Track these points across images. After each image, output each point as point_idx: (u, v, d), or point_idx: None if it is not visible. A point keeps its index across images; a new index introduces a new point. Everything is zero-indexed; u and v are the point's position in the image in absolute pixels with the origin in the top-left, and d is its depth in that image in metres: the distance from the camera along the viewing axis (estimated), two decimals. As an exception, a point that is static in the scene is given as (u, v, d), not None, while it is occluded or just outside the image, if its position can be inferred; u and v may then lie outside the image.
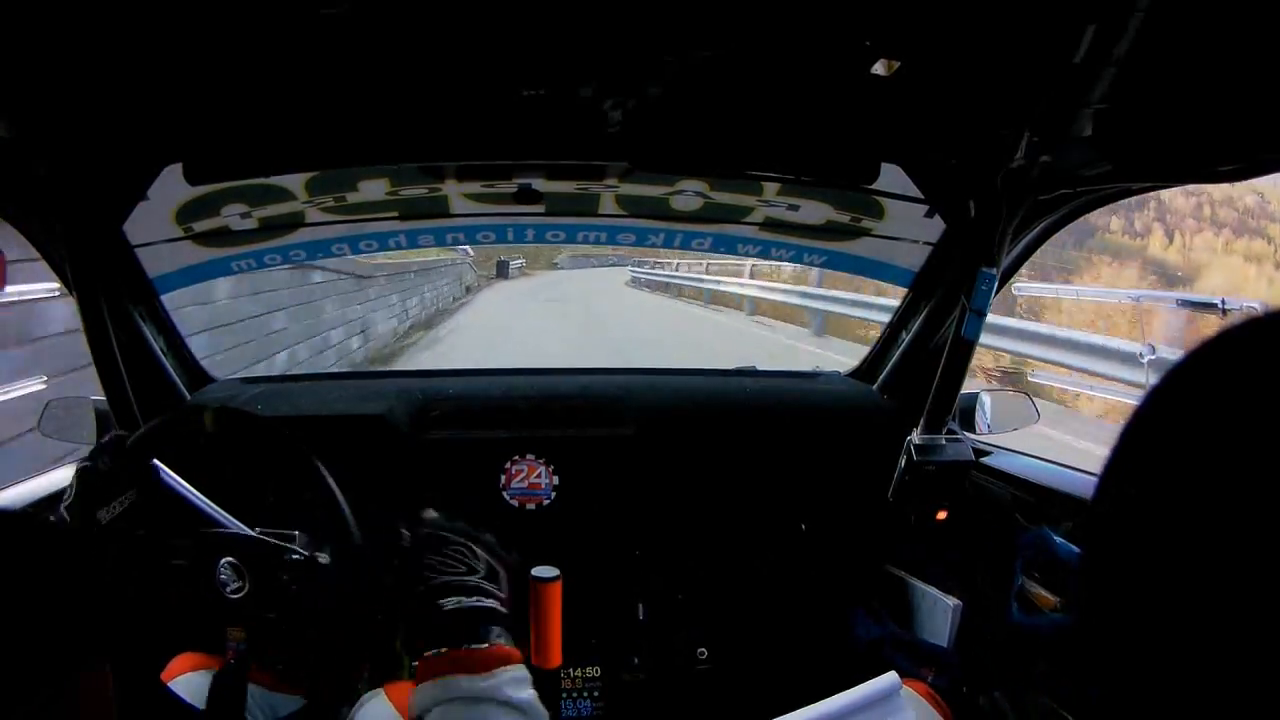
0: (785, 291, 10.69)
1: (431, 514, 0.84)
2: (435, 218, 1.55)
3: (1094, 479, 0.34)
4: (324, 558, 1.01)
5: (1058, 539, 1.19)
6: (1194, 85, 0.85)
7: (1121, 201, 1.47)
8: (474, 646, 0.69)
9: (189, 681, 1.07)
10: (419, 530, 0.80)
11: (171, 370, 1.47)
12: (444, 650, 0.69)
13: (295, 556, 1.00)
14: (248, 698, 1.08)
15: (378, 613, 1.03)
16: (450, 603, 0.72)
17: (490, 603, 0.74)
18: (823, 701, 0.88)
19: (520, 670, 0.70)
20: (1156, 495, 0.31)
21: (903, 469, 1.40)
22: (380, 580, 0.96)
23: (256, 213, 1.43)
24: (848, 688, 0.92)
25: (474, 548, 0.79)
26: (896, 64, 1.02)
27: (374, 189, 1.43)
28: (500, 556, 0.81)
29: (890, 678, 0.91)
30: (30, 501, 1.21)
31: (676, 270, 16.77)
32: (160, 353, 1.45)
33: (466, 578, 0.75)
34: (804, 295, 9.96)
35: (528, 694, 0.69)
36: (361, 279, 8.11)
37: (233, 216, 1.42)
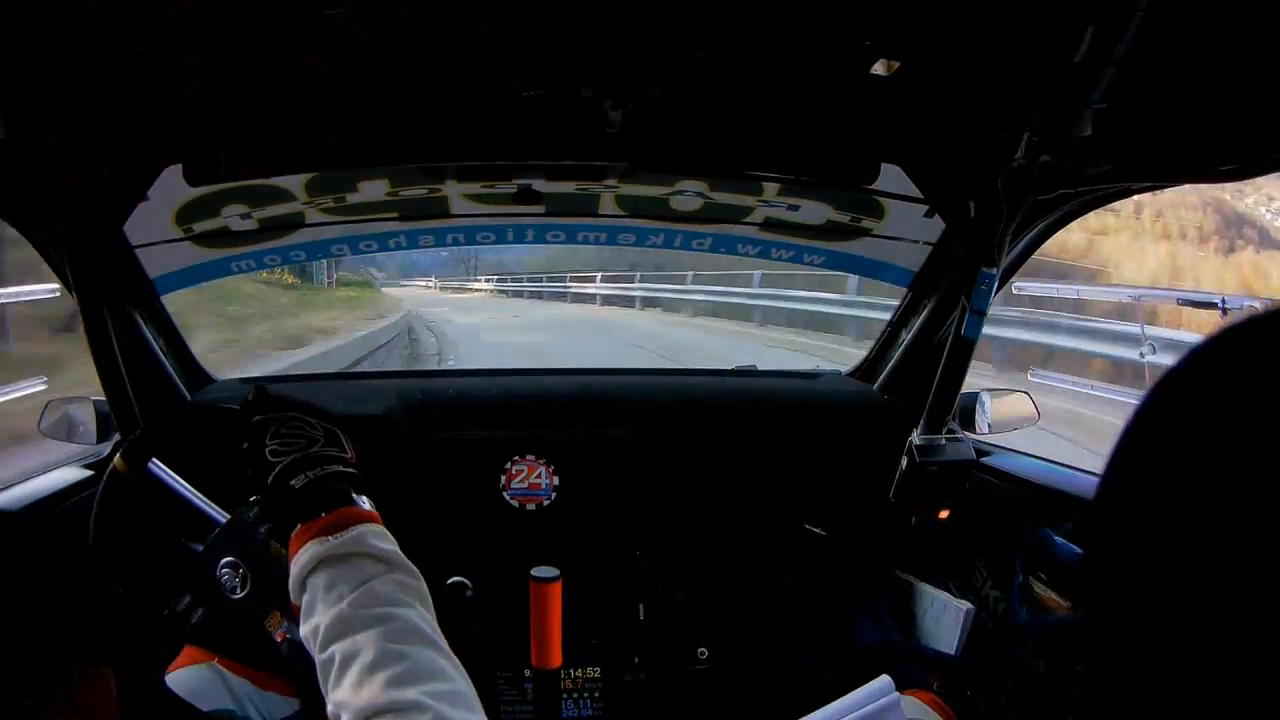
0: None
1: (248, 392, 0.83)
2: (435, 218, 1.55)
3: (1095, 479, 0.34)
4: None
5: (1058, 539, 1.19)
6: (1194, 85, 0.85)
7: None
8: (326, 513, 0.68)
9: (183, 677, 1.07)
10: (248, 414, 0.79)
11: (171, 370, 1.47)
12: (299, 526, 0.69)
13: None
14: (240, 695, 1.08)
15: None
16: (299, 480, 0.71)
17: (335, 467, 0.73)
18: (817, 712, 0.88)
19: (380, 527, 0.70)
20: (1158, 495, 0.31)
21: (904, 469, 1.40)
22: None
23: (256, 213, 1.43)
24: (847, 689, 0.92)
25: (308, 419, 0.78)
26: (896, 64, 1.02)
27: (374, 189, 1.43)
28: (336, 420, 0.80)
29: (883, 681, 0.91)
30: (30, 501, 1.21)
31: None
32: (160, 353, 1.45)
33: (308, 450, 0.74)
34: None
35: (392, 547, 0.68)
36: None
37: (233, 217, 1.42)
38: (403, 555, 0.68)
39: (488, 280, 22.16)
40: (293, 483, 0.71)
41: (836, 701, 0.89)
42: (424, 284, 23.18)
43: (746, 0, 0.89)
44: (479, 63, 1.02)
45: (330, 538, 0.66)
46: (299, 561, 0.67)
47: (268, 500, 0.75)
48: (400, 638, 0.61)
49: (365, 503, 0.72)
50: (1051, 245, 1.45)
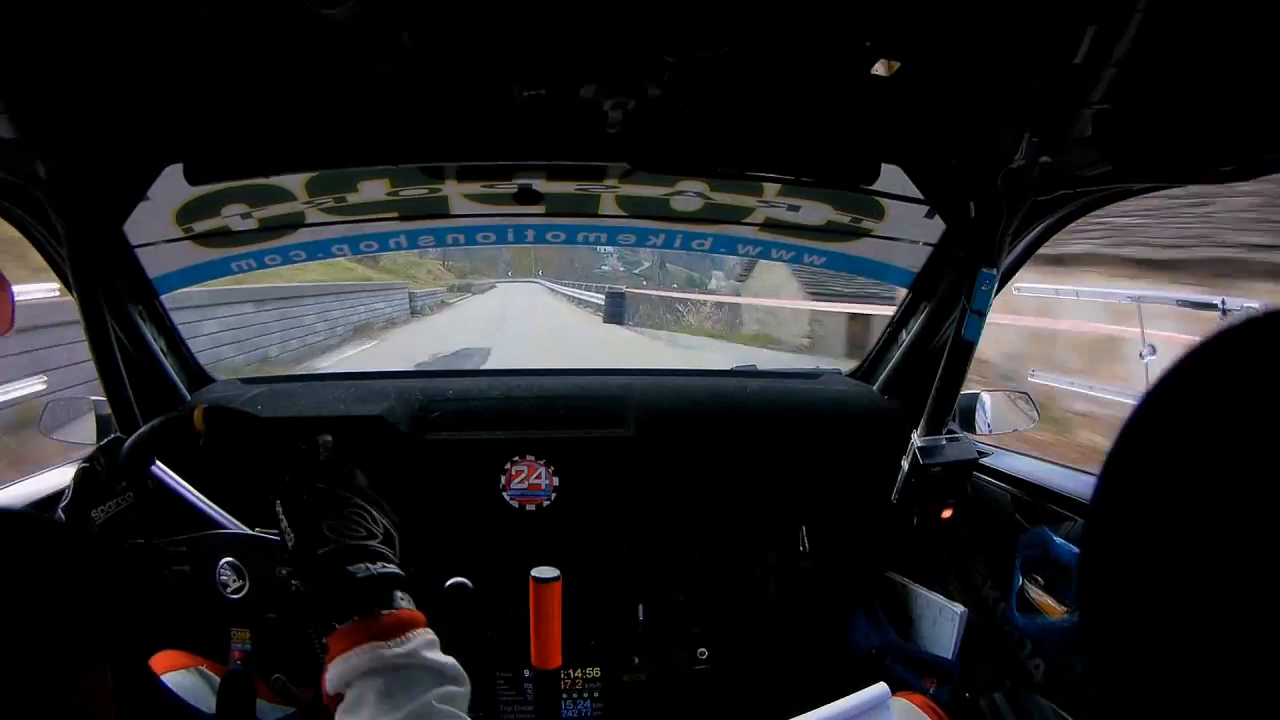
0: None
1: (327, 439, 0.82)
2: (435, 218, 1.55)
3: (1094, 479, 0.34)
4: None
5: (1058, 539, 1.19)
6: (1194, 85, 0.85)
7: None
8: (385, 612, 0.69)
9: (169, 680, 1.07)
10: (317, 454, 0.79)
11: (171, 370, 1.47)
12: (355, 619, 0.68)
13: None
14: None
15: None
16: (360, 570, 0.71)
17: (392, 568, 0.73)
18: (813, 712, 0.88)
19: (430, 633, 0.70)
20: (1155, 495, 0.31)
21: (907, 471, 1.40)
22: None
23: (257, 213, 1.43)
24: (846, 690, 0.92)
25: (371, 510, 0.78)
26: (896, 64, 1.02)
27: (374, 189, 1.43)
28: (392, 519, 0.80)
29: (879, 688, 0.91)
30: (30, 501, 1.21)
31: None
32: (160, 353, 1.45)
33: (368, 541, 0.74)
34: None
35: (445, 656, 0.69)
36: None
37: (233, 217, 1.42)
38: (454, 663, 0.69)
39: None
40: (352, 570, 0.71)
41: (830, 705, 0.89)
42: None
43: (747, 1, 0.89)
44: (478, 63, 1.02)
45: (388, 644, 0.66)
46: (350, 660, 0.66)
47: (314, 576, 0.74)
48: None
49: (409, 604, 0.72)
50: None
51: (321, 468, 0.81)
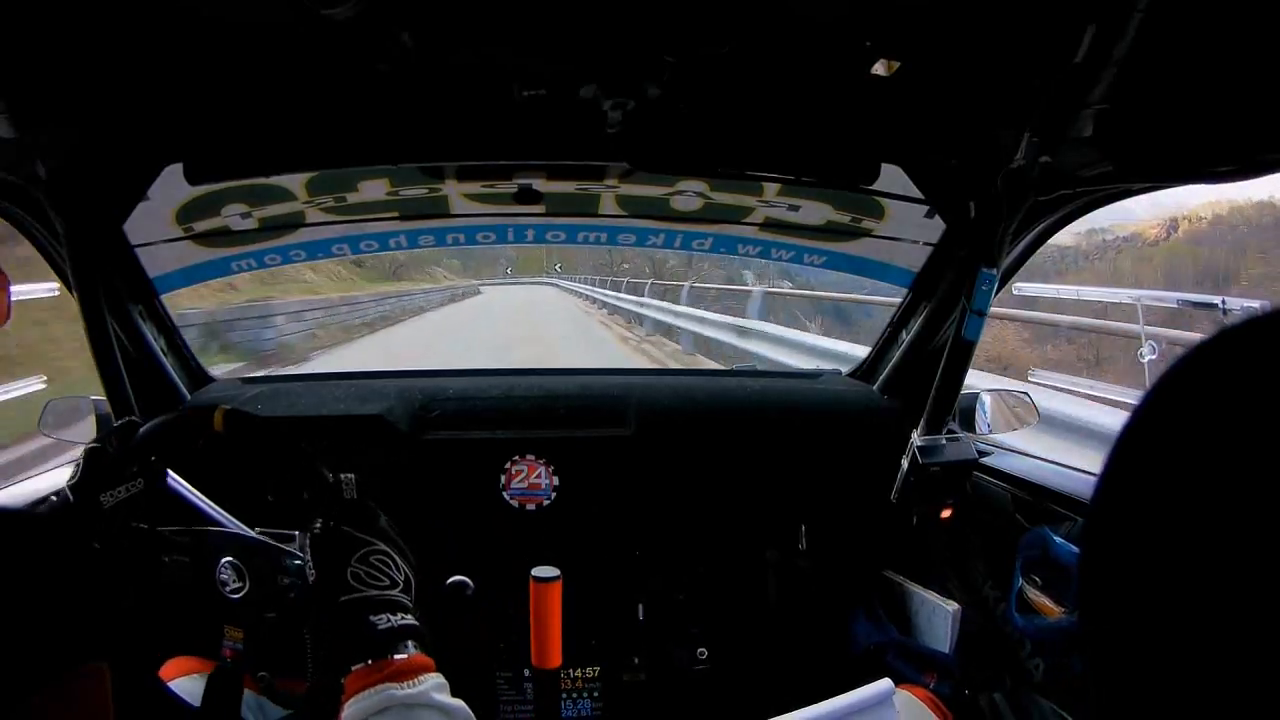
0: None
1: (350, 478, 0.86)
2: (435, 218, 1.55)
3: (1094, 479, 0.34)
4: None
5: (1058, 539, 1.19)
6: (1194, 85, 0.85)
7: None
8: (398, 657, 0.74)
9: (185, 685, 1.07)
10: (340, 494, 0.83)
11: (171, 370, 1.47)
12: (370, 662, 0.73)
13: (296, 562, 1.00)
14: (243, 703, 1.08)
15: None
16: (381, 620, 0.76)
17: (410, 619, 0.78)
18: (815, 705, 0.88)
19: (439, 678, 0.75)
20: (1155, 495, 0.31)
21: (906, 470, 1.40)
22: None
23: (257, 213, 1.43)
24: (846, 689, 0.92)
25: (395, 558, 0.82)
26: (896, 64, 1.02)
27: (374, 189, 1.43)
28: (410, 563, 0.84)
29: (884, 684, 0.91)
30: (30, 501, 1.21)
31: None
32: (160, 353, 1.45)
33: (389, 591, 0.79)
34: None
35: (454, 701, 0.74)
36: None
37: (233, 216, 1.42)
38: (464, 707, 0.73)
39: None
40: (374, 620, 0.75)
41: (835, 699, 0.89)
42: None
43: (747, 1, 0.89)
44: (479, 63, 1.02)
45: (400, 686, 0.71)
46: (364, 701, 0.71)
47: (337, 620, 0.78)
48: None
49: (420, 650, 0.77)
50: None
51: (348, 509, 0.84)
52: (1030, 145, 1.08)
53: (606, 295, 17.25)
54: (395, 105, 1.12)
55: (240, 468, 1.18)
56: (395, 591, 0.79)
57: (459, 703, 0.73)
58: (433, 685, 0.73)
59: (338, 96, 1.10)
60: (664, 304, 11.56)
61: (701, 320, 9.29)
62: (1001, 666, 1.28)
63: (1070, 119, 0.97)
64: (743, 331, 7.99)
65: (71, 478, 0.95)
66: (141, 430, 1.00)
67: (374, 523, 0.84)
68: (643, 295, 13.41)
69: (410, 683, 0.72)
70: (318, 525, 0.85)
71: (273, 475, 1.06)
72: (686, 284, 11.34)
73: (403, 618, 0.77)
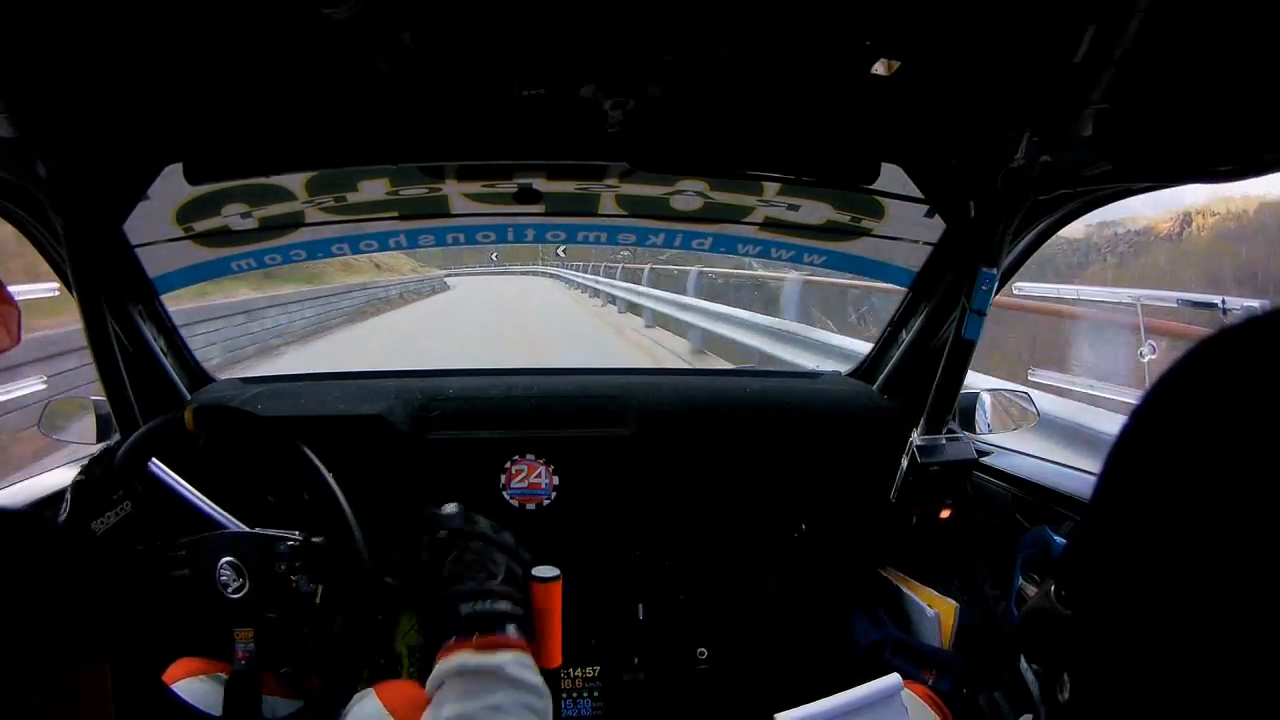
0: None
1: (451, 509, 0.88)
2: (435, 218, 1.55)
3: (1094, 479, 0.34)
4: (318, 540, 1.01)
5: (1058, 539, 1.19)
6: (1194, 85, 0.85)
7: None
8: (485, 635, 0.75)
9: (189, 687, 1.07)
10: (439, 529, 0.85)
11: (171, 370, 1.47)
12: (455, 639, 0.75)
13: (290, 543, 1.00)
14: None
15: (378, 612, 1.03)
16: (468, 608, 0.77)
17: (504, 605, 0.79)
18: (825, 699, 0.89)
19: (527, 658, 0.76)
20: (1155, 494, 0.31)
21: (905, 470, 1.40)
22: (380, 578, 0.96)
23: (257, 212, 1.43)
24: (846, 687, 0.92)
25: (493, 553, 0.83)
26: (896, 64, 1.02)
27: (374, 189, 1.43)
28: (518, 558, 0.86)
29: (893, 679, 0.92)
30: (30, 501, 1.21)
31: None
32: (160, 353, 1.45)
33: (486, 583, 0.80)
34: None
35: (531, 677, 0.74)
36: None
37: (233, 216, 1.42)
38: (541, 684, 0.75)
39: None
40: (462, 608, 0.77)
41: (844, 693, 0.90)
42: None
43: (747, 0, 0.89)
44: (479, 63, 1.02)
45: (478, 655, 0.74)
46: (445, 664, 0.74)
47: (433, 609, 0.81)
48: None
49: (515, 633, 0.78)
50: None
51: (447, 521, 0.87)
52: (1030, 145, 1.08)
53: (630, 291, 13.14)
54: (395, 105, 1.12)
55: (239, 468, 1.18)
56: (493, 583, 0.80)
57: (536, 680, 0.74)
58: (512, 659, 0.74)
59: (338, 96, 1.10)
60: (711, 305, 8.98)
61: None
62: (1001, 665, 1.28)
63: (1070, 119, 0.97)
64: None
65: (62, 511, 0.96)
66: (118, 455, 1.01)
67: (472, 528, 0.87)
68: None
69: (489, 653, 0.73)
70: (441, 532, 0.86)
71: (269, 469, 1.07)
72: (693, 269, 9.94)
73: (493, 603, 0.78)
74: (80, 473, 1.02)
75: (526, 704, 0.72)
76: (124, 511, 0.99)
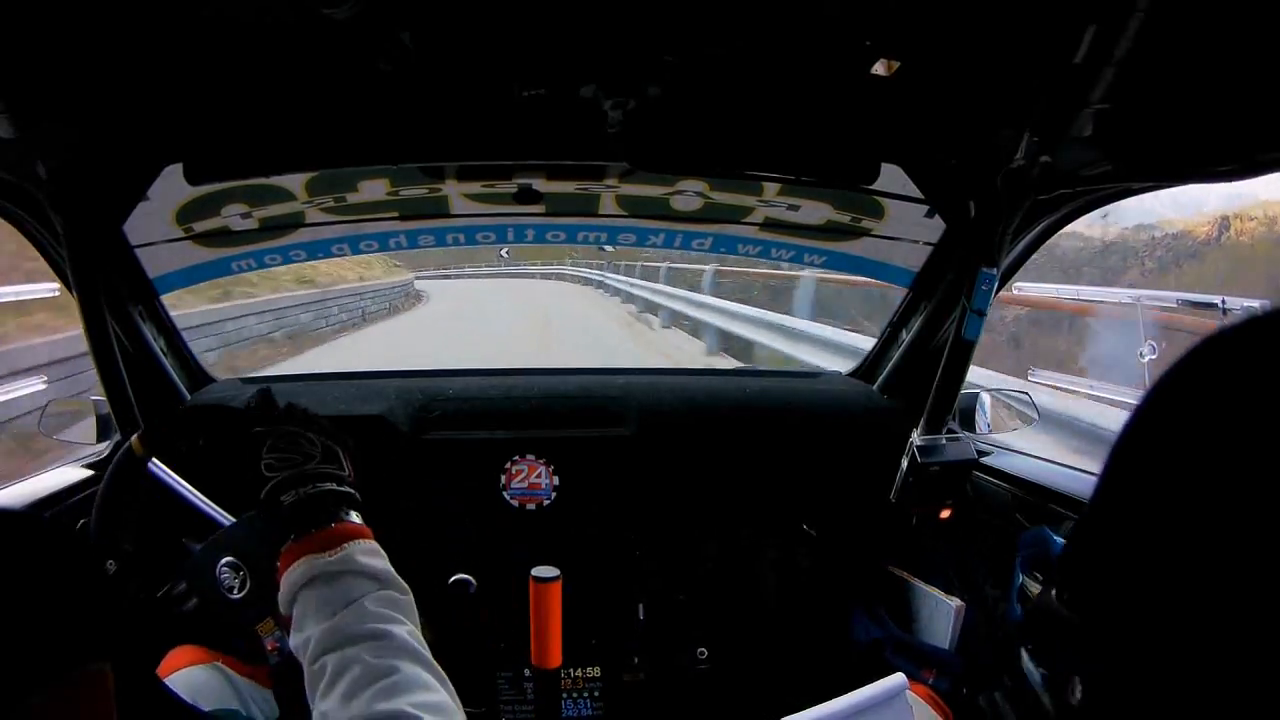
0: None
1: (251, 397, 0.84)
2: (435, 218, 1.55)
3: (1094, 479, 0.34)
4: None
5: (1058, 539, 1.19)
6: (1194, 85, 0.85)
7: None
8: (316, 530, 0.71)
9: (188, 676, 1.07)
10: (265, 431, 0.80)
11: (171, 370, 1.47)
12: (292, 540, 0.71)
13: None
14: (245, 695, 1.08)
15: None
16: (289, 497, 0.73)
17: (327, 485, 0.75)
18: (829, 702, 0.88)
19: (370, 543, 0.72)
20: (1155, 494, 0.31)
21: (905, 470, 1.40)
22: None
23: (257, 213, 1.43)
24: (847, 689, 0.92)
25: (306, 434, 0.79)
26: (896, 64, 1.02)
27: (374, 189, 1.43)
28: (338, 437, 0.81)
29: (897, 679, 0.92)
30: (30, 501, 1.21)
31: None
32: (160, 353, 1.45)
33: (303, 466, 0.76)
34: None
35: (384, 565, 0.70)
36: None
37: (233, 217, 1.42)
38: (392, 571, 0.70)
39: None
40: (283, 499, 0.73)
41: (848, 694, 0.89)
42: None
43: (747, 0, 0.89)
44: (479, 63, 1.02)
45: (322, 555, 0.69)
46: (290, 576, 0.69)
47: (260, 514, 0.77)
48: (388, 653, 0.63)
49: (355, 518, 0.74)
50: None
51: (250, 415, 0.82)
52: (1030, 145, 1.08)
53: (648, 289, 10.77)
54: (395, 105, 1.12)
55: (228, 463, 1.17)
56: (309, 465, 0.76)
57: (385, 566, 0.70)
58: (358, 549, 0.70)
59: (338, 96, 1.10)
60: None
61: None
62: (1001, 665, 1.28)
63: (1070, 119, 0.97)
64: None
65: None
66: (91, 524, 0.98)
67: (282, 414, 0.82)
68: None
69: (333, 551, 0.69)
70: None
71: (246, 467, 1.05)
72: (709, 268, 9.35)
73: (314, 487, 0.74)
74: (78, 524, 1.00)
75: (389, 598, 0.67)
76: (111, 569, 0.97)
